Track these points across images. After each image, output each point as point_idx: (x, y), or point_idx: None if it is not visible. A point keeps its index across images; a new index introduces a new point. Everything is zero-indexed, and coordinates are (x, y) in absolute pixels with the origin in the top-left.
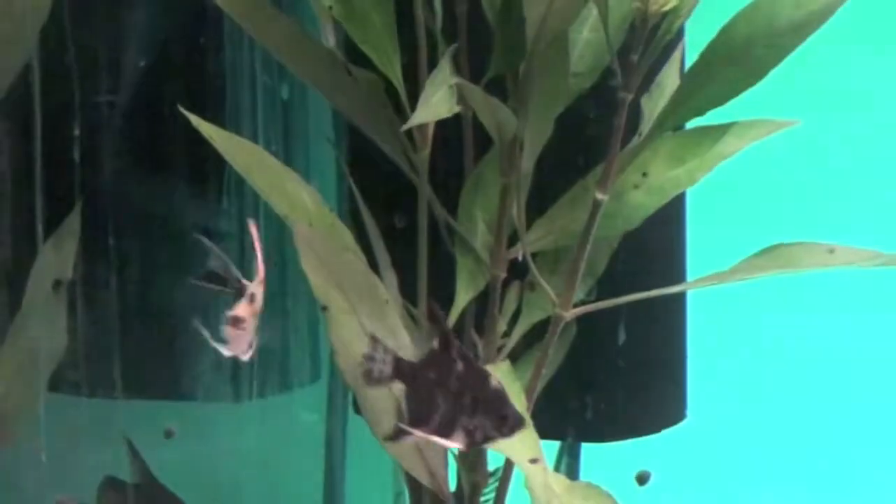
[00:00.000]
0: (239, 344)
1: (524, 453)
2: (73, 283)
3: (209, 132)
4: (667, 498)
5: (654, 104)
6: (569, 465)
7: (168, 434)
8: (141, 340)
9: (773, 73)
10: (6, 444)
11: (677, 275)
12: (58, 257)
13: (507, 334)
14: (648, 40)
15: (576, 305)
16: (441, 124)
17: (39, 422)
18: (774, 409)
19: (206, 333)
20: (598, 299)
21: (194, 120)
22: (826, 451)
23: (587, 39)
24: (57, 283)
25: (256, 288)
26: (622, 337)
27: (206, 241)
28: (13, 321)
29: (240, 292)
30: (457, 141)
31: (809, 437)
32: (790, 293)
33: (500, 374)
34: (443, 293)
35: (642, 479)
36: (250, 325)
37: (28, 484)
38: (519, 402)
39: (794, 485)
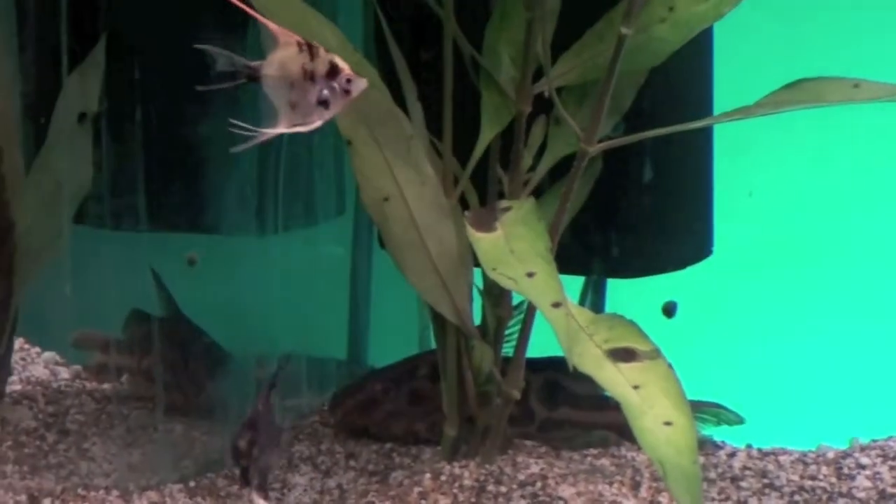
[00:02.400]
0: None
1: (547, 297)
2: (98, 115)
3: None
4: (693, 331)
5: None
6: (594, 301)
7: (191, 261)
8: (166, 173)
9: None
10: (32, 277)
11: (704, 110)
12: (83, 90)
13: (532, 169)
14: None
15: (601, 140)
16: None
17: (65, 254)
18: (802, 245)
19: None
20: (624, 135)
21: None
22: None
23: None
24: (82, 116)
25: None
26: (648, 173)
27: (205, 46)
28: (38, 154)
29: (253, 76)
30: None
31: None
32: None
33: (525, 211)
34: (468, 128)
35: (669, 310)
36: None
37: (53, 317)
38: (543, 242)
39: (820, 316)
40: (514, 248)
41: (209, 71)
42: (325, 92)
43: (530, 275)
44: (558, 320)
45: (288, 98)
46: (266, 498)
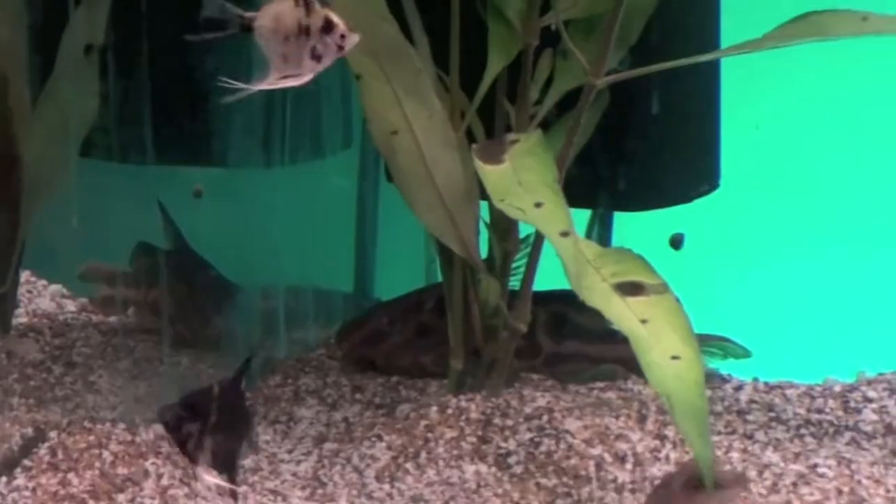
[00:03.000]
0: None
1: (555, 226)
2: (104, 47)
3: None
4: (699, 265)
5: None
6: (600, 235)
7: (196, 193)
8: (171, 105)
9: None
10: (38, 210)
11: (711, 43)
12: (89, 21)
13: (539, 102)
14: None
15: (608, 74)
16: None
17: (72, 187)
18: (808, 178)
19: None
20: (631, 68)
21: None
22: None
23: None
24: (88, 48)
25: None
26: (655, 106)
27: None
28: (44, 86)
29: (246, 26)
30: None
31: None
32: None
33: (532, 143)
34: (475, 61)
35: (676, 242)
36: None
37: (60, 250)
38: (551, 172)
39: (826, 250)
40: (522, 180)
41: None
42: (319, 47)
43: (538, 205)
44: (566, 249)
45: (280, 51)
46: (218, 477)
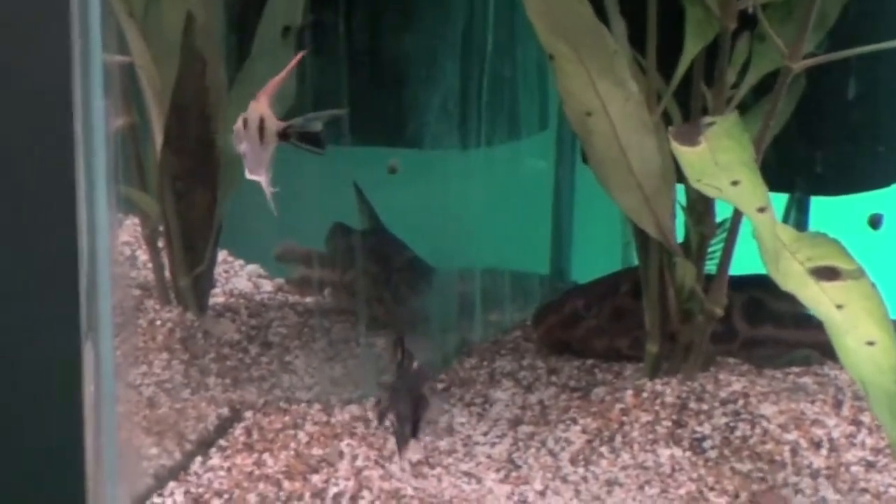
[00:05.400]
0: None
1: (752, 202)
2: (302, 28)
3: None
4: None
5: None
6: (797, 219)
7: (392, 169)
8: (369, 87)
9: None
10: (235, 190)
11: None
12: (287, 3)
13: (736, 85)
14: None
15: (806, 57)
16: None
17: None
18: None
19: None
20: (828, 51)
21: None
22: None
23: None
24: (286, 30)
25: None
26: (853, 90)
27: None
28: (242, 66)
29: None
30: None
31: None
32: None
33: (729, 124)
34: (672, 43)
35: (875, 221)
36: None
37: (256, 230)
38: (747, 152)
39: None
40: (719, 160)
41: None
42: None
43: (735, 183)
44: (764, 225)
45: None
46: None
